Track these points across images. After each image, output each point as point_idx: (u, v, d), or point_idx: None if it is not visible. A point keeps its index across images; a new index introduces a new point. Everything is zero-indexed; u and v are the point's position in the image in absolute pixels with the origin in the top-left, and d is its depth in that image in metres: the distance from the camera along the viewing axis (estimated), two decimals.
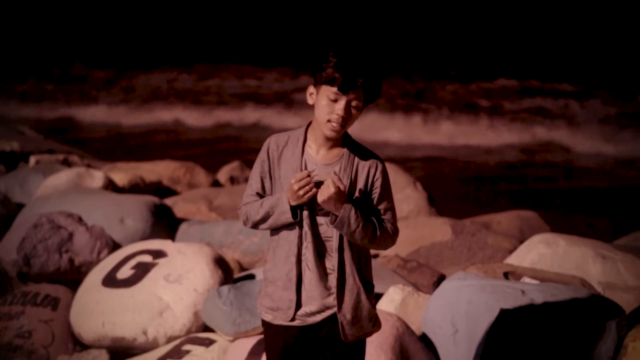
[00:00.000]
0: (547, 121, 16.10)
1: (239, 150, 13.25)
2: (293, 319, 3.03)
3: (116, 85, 21.23)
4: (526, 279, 4.41)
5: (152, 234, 5.84)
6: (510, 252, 5.97)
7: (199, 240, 5.88)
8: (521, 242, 6.04)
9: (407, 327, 4.24)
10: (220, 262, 4.89)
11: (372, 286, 3.09)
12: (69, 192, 6.39)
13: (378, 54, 2.97)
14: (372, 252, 3.14)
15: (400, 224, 3.12)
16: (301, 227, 2.99)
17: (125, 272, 4.82)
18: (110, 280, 4.81)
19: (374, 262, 3.89)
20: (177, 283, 4.69)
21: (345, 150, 3.02)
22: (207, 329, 4.60)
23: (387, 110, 16.40)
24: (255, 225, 3.04)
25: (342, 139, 3.02)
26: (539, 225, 7.18)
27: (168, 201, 7.15)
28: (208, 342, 4.45)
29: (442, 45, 22.57)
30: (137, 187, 7.36)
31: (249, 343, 4.31)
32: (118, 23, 26.31)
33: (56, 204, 6.03)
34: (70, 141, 12.72)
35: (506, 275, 4.59)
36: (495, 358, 3.95)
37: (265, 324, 3.12)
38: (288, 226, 3.00)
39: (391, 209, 3.05)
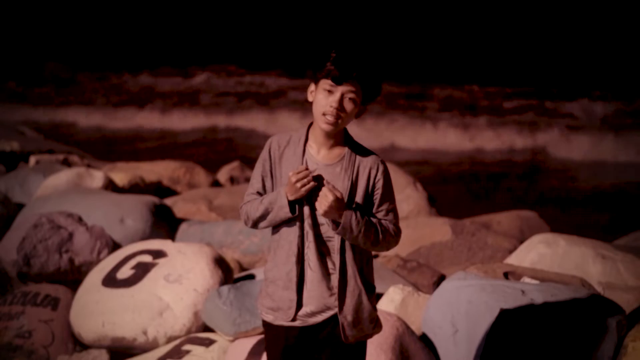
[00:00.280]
0: (544, 123, 16.09)
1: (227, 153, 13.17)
2: (294, 319, 3.03)
3: (101, 87, 21.19)
4: (526, 279, 4.41)
5: (152, 234, 5.85)
6: (510, 252, 5.97)
7: (199, 240, 5.88)
8: (521, 242, 6.04)
9: (407, 327, 4.24)
10: (220, 262, 4.89)
11: (374, 287, 3.09)
12: (69, 192, 6.39)
13: (374, 50, 2.99)
14: (373, 252, 3.14)
15: (400, 224, 3.13)
16: (302, 227, 2.99)
17: (125, 272, 4.82)
18: (110, 280, 4.81)
19: (374, 262, 3.89)
20: (177, 283, 4.69)
21: (346, 150, 3.02)
22: (207, 329, 4.60)
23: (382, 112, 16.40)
24: (255, 224, 3.05)
25: (343, 139, 3.03)
26: (539, 225, 7.18)
27: (168, 201, 7.15)
28: (208, 342, 4.45)
29: (439, 47, 22.58)
30: (137, 187, 7.36)
31: (249, 343, 4.31)
32: (107, 25, 26.31)
33: (56, 204, 6.03)
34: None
35: (506, 275, 4.59)
36: (495, 358, 3.95)
37: (265, 324, 3.12)
38: (288, 225, 3.00)
39: (393, 209, 3.06)
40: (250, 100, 19.14)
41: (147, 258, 4.89)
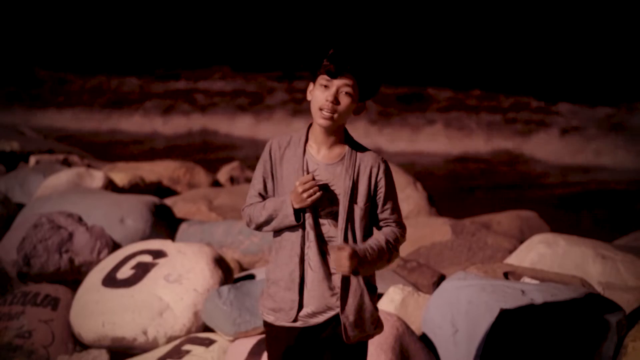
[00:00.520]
0: (532, 128, 16.11)
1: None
2: (295, 320, 3.03)
3: (83, 89, 21.15)
4: (526, 279, 4.41)
5: (152, 234, 5.85)
6: (510, 252, 5.96)
7: (199, 240, 5.88)
8: (521, 242, 6.03)
9: (407, 327, 4.24)
10: (220, 262, 4.89)
11: (375, 288, 3.09)
12: (69, 192, 6.39)
13: (370, 45, 3.01)
14: None
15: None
16: (303, 228, 2.99)
17: (125, 272, 4.83)
18: (110, 280, 4.81)
19: None
20: (177, 283, 4.69)
21: (346, 149, 3.03)
22: (207, 329, 4.60)
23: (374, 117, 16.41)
24: (258, 228, 3.06)
25: (343, 138, 3.03)
26: (539, 225, 7.18)
27: (168, 201, 7.15)
28: (208, 342, 4.45)
29: (431, 53, 22.57)
30: (137, 187, 7.36)
31: (249, 343, 4.31)
32: (90, 27, 26.30)
33: (56, 204, 6.03)
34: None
35: (506, 275, 4.59)
36: (495, 358, 3.95)
37: (267, 325, 3.12)
38: (291, 227, 3.01)
39: (396, 208, 3.07)
40: (241, 103, 19.13)
41: (147, 258, 4.89)
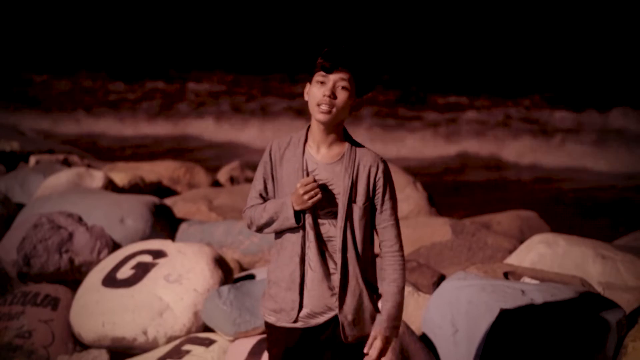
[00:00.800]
0: (528, 130, 16.12)
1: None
2: (296, 321, 3.03)
3: (71, 92, 21.11)
4: (526, 279, 4.41)
5: (152, 234, 5.84)
6: (510, 252, 5.96)
7: (199, 240, 5.88)
8: (521, 242, 6.03)
9: (407, 327, 4.24)
10: (220, 262, 4.89)
11: (376, 288, 3.09)
12: (69, 192, 6.39)
13: (365, 40, 3.03)
14: (375, 250, 3.15)
15: (400, 224, 3.13)
16: (303, 228, 3.00)
17: (125, 272, 4.83)
18: (110, 280, 4.81)
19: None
20: (177, 283, 4.69)
21: (345, 149, 3.03)
22: (207, 329, 4.60)
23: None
24: (259, 230, 3.07)
25: (342, 137, 3.04)
26: (539, 225, 7.18)
27: (168, 201, 7.15)
28: (208, 342, 4.45)
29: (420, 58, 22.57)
30: (137, 187, 7.36)
31: (249, 343, 4.31)
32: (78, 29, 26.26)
33: (56, 204, 6.03)
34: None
35: (506, 275, 4.59)
36: (495, 358, 3.95)
37: (268, 326, 3.12)
38: (292, 228, 3.01)
39: (394, 208, 3.06)
40: (236, 105, 19.11)
41: (147, 258, 4.89)
